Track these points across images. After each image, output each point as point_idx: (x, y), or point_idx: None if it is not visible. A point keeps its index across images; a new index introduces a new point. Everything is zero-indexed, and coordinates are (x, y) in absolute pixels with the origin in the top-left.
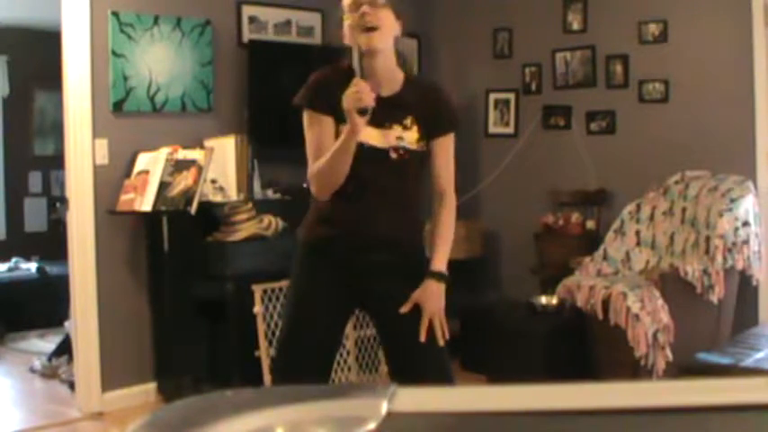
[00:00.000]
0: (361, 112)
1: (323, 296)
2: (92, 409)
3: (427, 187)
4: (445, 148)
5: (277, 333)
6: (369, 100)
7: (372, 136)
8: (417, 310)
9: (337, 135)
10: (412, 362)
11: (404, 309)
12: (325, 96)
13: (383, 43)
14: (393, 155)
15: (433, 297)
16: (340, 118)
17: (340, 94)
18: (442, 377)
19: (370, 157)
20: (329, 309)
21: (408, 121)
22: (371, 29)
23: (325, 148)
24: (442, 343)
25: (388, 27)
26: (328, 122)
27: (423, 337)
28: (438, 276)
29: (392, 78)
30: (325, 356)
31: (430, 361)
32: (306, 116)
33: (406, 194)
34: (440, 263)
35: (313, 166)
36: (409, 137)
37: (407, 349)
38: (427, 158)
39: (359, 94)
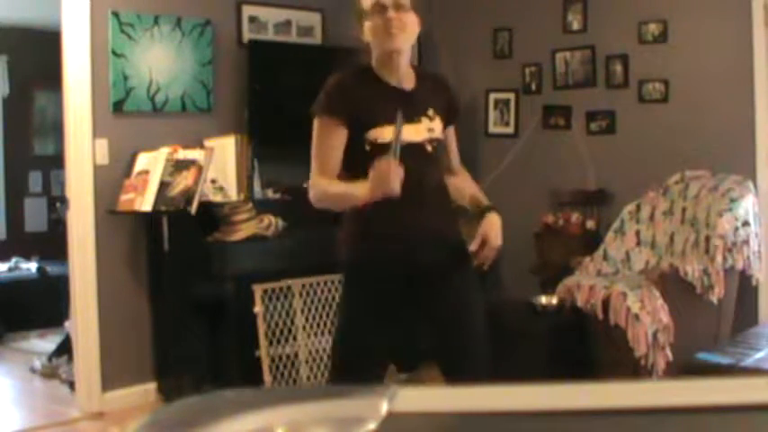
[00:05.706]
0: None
1: (382, 318)
2: (92, 409)
3: None
4: (453, 134)
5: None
6: (397, 188)
7: (409, 132)
8: (466, 309)
9: (349, 143)
10: (465, 345)
11: (473, 246)
12: (343, 103)
13: (408, 44)
14: (428, 147)
15: (497, 227)
16: (355, 125)
17: (358, 99)
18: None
19: (412, 153)
20: (389, 327)
21: (431, 112)
22: (397, 33)
23: (333, 162)
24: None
25: (412, 29)
26: (341, 134)
27: (486, 266)
28: (495, 209)
29: (409, 72)
30: (379, 370)
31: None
32: (318, 123)
33: (442, 185)
34: (486, 201)
35: (319, 184)
36: (436, 127)
37: (460, 332)
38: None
39: (393, 182)
